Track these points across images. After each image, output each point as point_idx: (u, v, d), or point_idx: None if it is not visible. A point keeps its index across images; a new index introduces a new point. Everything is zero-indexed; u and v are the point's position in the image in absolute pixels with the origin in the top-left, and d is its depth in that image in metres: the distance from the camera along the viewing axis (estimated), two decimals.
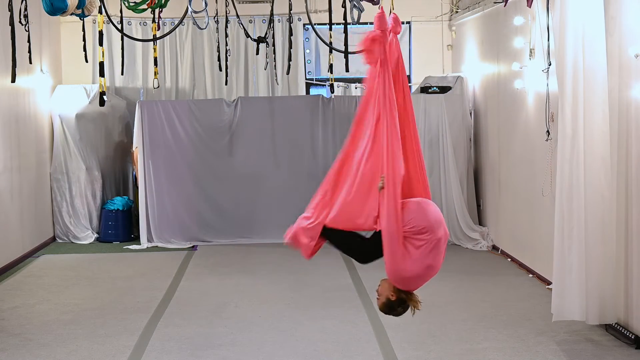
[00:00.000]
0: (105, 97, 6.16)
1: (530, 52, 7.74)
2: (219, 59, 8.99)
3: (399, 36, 4.41)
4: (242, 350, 5.84)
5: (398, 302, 4.11)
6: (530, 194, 7.97)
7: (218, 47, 9.03)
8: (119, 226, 10.30)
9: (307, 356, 5.71)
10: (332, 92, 9.00)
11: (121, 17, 7.86)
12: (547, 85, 7.12)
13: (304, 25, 10.95)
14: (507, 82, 8.60)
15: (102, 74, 6.24)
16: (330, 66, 7.67)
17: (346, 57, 7.12)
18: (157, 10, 7.57)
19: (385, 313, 4.19)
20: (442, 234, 4.05)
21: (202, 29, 7.13)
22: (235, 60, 10.92)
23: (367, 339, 6.05)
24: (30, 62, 7.67)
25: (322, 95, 10.44)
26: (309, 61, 11.32)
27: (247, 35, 8.54)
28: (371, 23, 4.29)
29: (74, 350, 5.89)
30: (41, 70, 9.94)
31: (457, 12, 10.60)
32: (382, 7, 4.36)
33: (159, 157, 9.97)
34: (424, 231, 4.00)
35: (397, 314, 4.18)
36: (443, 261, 4.06)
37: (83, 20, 6.87)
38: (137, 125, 9.93)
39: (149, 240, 9.92)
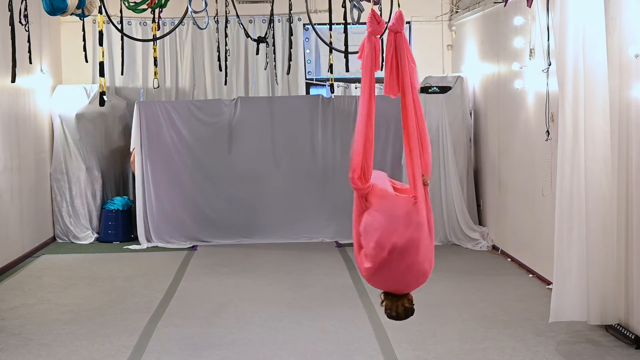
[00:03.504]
0: (105, 97, 6.15)
1: (530, 52, 7.74)
2: (219, 59, 8.99)
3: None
4: (242, 350, 5.84)
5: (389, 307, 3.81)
6: (530, 194, 7.96)
7: (218, 47, 9.02)
8: (119, 226, 10.30)
9: (307, 356, 5.71)
10: (332, 92, 8.99)
11: (121, 17, 7.86)
12: (547, 85, 7.12)
13: (304, 25, 10.95)
14: (507, 82, 8.60)
15: (102, 74, 6.24)
16: (330, 66, 7.66)
17: (346, 57, 7.11)
18: (157, 10, 7.57)
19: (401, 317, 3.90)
20: (388, 254, 3.63)
21: (202, 29, 7.12)
22: (235, 60, 10.92)
23: (367, 339, 6.05)
24: (30, 62, 7.66)
25: (322, 95, 10.44)
26: (309, 61, 11.32)
27: (247, 35, 8.54)
28: None
29: (74, 350, 5.89)
30: (41, 70, 9.94)
31: (457, 12, 10.60)
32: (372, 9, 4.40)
33: (158, 158, 9.96)
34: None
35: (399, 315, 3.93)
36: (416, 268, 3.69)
37: (83, 20, 6.87)
38: (135, 125, 9.93)
39: (148, 240, 9.92)
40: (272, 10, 7.99)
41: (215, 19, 8.51)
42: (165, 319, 6.66)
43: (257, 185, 10.07)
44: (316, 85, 11.36)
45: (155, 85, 8.69)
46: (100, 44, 6.22)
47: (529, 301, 7.01)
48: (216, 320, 6.63)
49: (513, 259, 8.62)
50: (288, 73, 8.23)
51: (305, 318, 6.63)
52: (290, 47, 8.16)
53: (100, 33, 6.21)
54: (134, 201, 10.47)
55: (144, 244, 9.87)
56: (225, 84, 9.96)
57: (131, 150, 10.11)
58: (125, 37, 7.29)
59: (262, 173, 10.08)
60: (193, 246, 9.89)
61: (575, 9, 5.93)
